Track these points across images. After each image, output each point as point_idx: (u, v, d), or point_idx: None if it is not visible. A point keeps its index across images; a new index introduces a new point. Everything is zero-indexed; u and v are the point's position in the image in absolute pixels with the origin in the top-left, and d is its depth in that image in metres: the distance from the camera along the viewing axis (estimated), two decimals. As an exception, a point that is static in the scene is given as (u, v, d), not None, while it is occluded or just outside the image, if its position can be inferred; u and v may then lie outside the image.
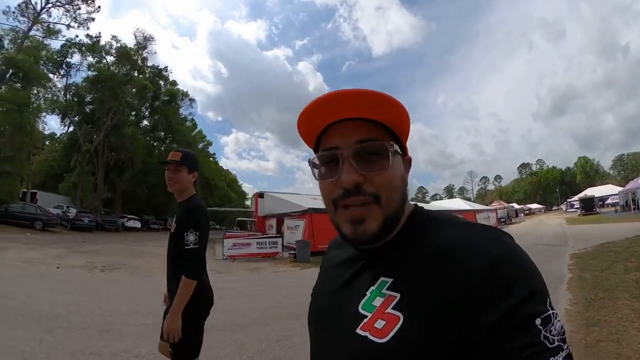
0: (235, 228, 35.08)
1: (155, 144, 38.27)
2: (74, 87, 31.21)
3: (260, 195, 20.91)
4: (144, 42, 33.99)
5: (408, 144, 0.59)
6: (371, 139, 0.50)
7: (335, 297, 0.58)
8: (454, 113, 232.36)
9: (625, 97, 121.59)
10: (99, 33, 31.37)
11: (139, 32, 33.84)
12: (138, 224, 27.80)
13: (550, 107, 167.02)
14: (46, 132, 33.66)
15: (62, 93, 30.56)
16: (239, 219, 35.11)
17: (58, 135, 36.21)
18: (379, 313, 0.48)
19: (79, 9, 28.29)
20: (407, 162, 0.58)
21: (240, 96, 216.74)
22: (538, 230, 18.94)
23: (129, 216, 28.62)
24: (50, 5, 26.31)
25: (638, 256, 6.57)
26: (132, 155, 31.48)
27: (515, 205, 48.10)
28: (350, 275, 0.57)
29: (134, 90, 33.03)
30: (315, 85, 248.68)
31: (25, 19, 25.33)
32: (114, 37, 32.08)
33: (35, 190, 26.19)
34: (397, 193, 0.51)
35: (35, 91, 24.39)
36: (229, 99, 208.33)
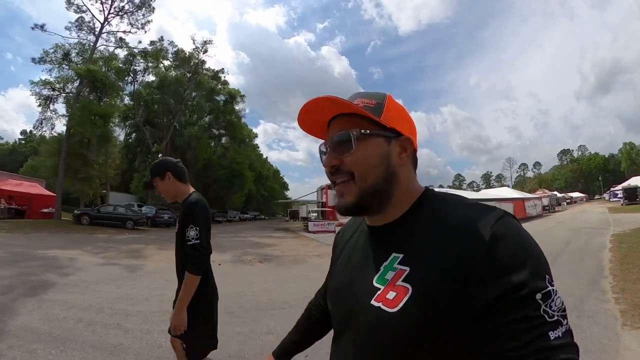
0: (286, 218, 38.52)
1: (209, 141, 39.78)
2: (136, 92, 32.13)
3: (330, 187, 24.17)
4: (203, 46, 34.32)
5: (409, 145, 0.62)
6: (339, 130, 0.59)
7: (351, 273, 0.65)
8: (489, 94, 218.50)
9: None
10: (161, 37, 31.65)
11: (197, 37, 34.81)
12: (204, 218, 30.43)
13: (594, 84, 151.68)
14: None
15: (128, 98, 31.41)
16: (290, 209, 38.52)
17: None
18: (391, 285, 0.53)
19: (139, 12, 27.15)
20: (403, 141, 0.60)
21: (265, 86, 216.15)
22: (583, 217, 20.75)
23: (195, 211, 31.62)
24: (111, 16, 25.87)
25: (665, 234, 9.14)
26: (197, 154, 34.10)
27: (558, 194, 48.64)
28: (365, 253, 0.63)
29: (194, 93, 34.79)
30: (341, 70, 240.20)
31: (84, 32, 24.99)
32: (170, 42, 32.64)
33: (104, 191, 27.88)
34: (371, 169, 0.57)
35: (107, 99, 24.71)
36: (254, 90, 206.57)
